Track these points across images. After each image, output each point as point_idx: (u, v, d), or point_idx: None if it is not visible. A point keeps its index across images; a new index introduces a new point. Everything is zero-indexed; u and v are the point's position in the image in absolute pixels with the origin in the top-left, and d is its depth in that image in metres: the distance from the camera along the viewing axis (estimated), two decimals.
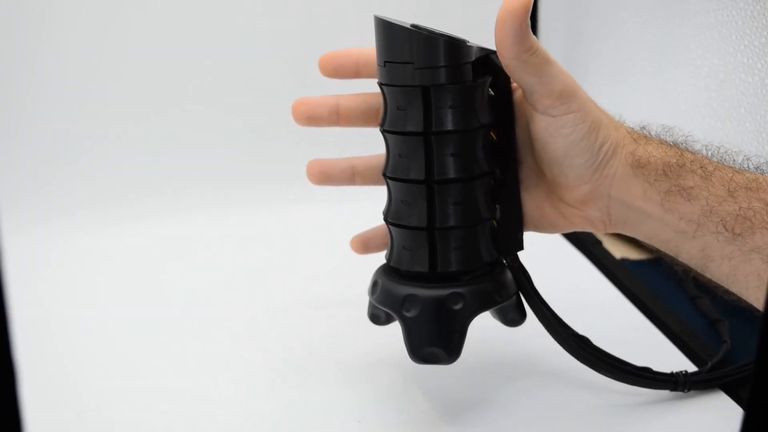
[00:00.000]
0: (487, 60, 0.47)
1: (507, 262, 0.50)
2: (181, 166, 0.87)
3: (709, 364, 0.56)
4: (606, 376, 0.51)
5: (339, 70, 0.51)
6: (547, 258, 0.53)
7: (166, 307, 0.68)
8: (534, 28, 0.91)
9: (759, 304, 0.46)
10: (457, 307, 0.46)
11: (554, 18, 0.89)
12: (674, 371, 0.53)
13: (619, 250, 0.76)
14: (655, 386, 0.53)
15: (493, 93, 0.48)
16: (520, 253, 0.50)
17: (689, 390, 0.53)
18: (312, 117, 0.52)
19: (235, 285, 0.72)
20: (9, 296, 0.23)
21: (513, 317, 0.51)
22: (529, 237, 0.51)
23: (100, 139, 0.85)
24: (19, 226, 0.79)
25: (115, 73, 0.85)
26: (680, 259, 0.49)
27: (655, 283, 0.69)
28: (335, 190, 0.60)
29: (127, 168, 0.86)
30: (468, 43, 0.46)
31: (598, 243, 0.77)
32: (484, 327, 0.56)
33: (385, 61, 0.46)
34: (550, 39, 0.90)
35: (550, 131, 0.46)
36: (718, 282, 0.48)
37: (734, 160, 0.48)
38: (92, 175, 0.85)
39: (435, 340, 0.46)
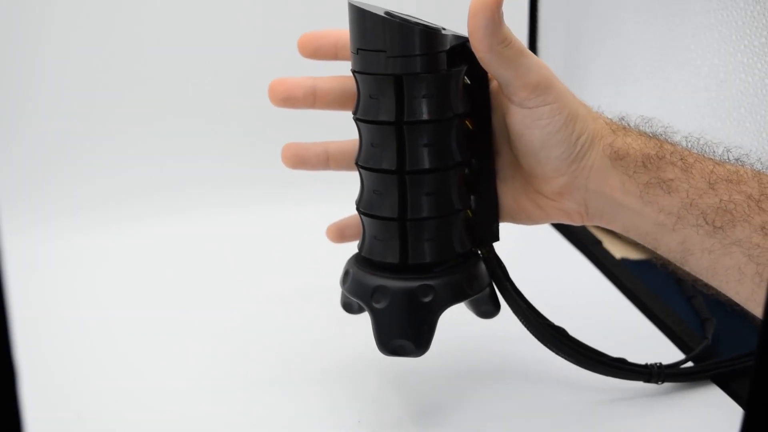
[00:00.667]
0: (463, 48, 0.46)
1: (482, 253, 0.49)
2: (180, 167, 0.87)
3: (685, 357, 0.56)
4: (581, 366, 0.51)
5: (317, 51, 0.51)
6: (546, 258, 0.53)
7: (166, 307, 0.68)
8: (534, 28, 0.91)
9: (738, 298, 0.46)
10: (427, 299, 0.45)
11: (554, 18, 0.89)
12: (648, 363, 0.53)
13: (619, 250, 0.76)
14: (629, 377, 0.53)
15: (469, 81, 0.48)
16: (510, 246, 0.50)
17: (663, 382, 0.53)
18: (288, 98, 0.51)
19: (235, 285, 0.72)
20: (9, 296, 0.23)
21: (487, 309, 0.50)
22: (528, 237, 0.51)
23: (99, 140, 0.85)
24: (20, 226, 0.79)
25: (114, 73, 0.85)
26: (659, 252, 0.48)
27: (655, 283, 0.69)
28: (333, 189, 0.60)
29: (126, 168, 0.86)
30: (443, 31, 0.45)
31: (598, 243, 0.77)
32: (471, 323, 0.57)
33: (357, 49, 0.45)
34: (550, 39, 0.90)
35: (526, 123, 0.46)
36: (698, 275, 0.47)
37: (714, 152, 0.48)
38: (92, 175, 0.85)
39: (404, 332, 0.46)
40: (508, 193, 0.50)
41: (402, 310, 0.46)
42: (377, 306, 0.46)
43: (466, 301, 0.49)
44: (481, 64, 0.45)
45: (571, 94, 0.47)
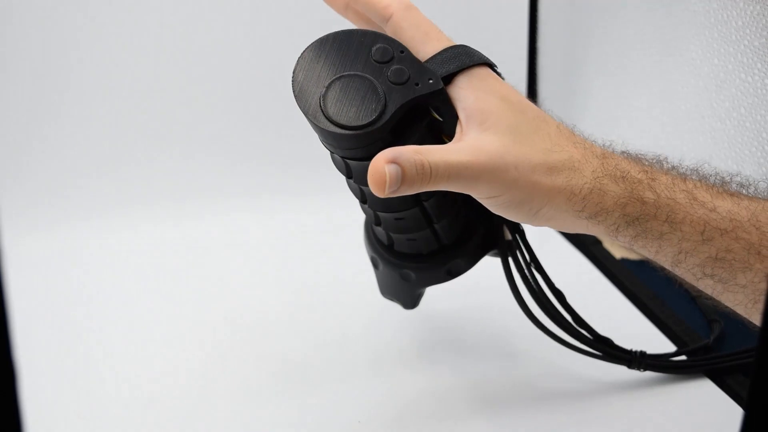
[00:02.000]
0: (416, 107, 0.44)
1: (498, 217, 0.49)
2: (186, 172, 0.87)
3: (674, 350, 0.57)
4: (566, 336, 0.52)
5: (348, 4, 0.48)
6: (547, 258, 0.53)
7: (167, 310, 0.68)
8: (534, 27, 0.91)
9: (749, 322, 0.45)
10: (408, 280, 0.51)
11: (554, 18, 0.89)
12: (632, 349, 0.54)
13: (618, 250, 0.76)
14: (611, 360, 0.53)
15: (440, 118, 0.45)
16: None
17: (644, 370, 0.54)
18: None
19: (236, 288, 0.72)
20: (10, 297, 0.23)
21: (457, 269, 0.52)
22: (528, 237, 0.51)
23: (104, 146, 0.85)
24: (22, 230, 0.79)
25: (119, 79, 0.85)
26: (663, 270, 0.47)
27: (655, 283, 0.69)
28: (334, 200, 0.60)
29: (128, 174, 0.86)
30: (370, 126, 0.42)
31: (598, 243, 0.77)
32: (470, 321, 0.57)
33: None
34: (550, 39, 0.90)
35: (483, 200, 0.44)
36: (705, 296, 0.47)
37: (707, 181, 0.45)
38: (96, 180, 0.85)
39: (394, 295, 0.54)
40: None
41: (390, 281, 0.53)
42: (376, 268, 0.54)
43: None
44: None
45: (530, 173, 0.42)
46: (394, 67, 0.43)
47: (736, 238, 0.42)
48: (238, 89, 0.88)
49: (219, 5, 0.86)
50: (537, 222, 0.45)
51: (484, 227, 0.51)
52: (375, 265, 0.54)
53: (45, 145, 0.84)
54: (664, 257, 0.44)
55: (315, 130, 0.44)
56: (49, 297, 0.70)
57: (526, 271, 0.51)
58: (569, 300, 0.52)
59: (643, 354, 0.54)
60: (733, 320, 0.61)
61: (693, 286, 0.47)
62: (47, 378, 0.58)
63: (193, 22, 0.85)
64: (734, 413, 0.53)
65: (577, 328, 0.52)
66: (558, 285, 0.52)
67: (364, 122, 0.42)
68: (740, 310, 0.45)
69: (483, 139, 0.42)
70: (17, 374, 0.23)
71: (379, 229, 0.51)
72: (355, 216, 0.58)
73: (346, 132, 0.42)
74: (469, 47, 0.45)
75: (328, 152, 0.46)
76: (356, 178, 0.46)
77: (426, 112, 0.44)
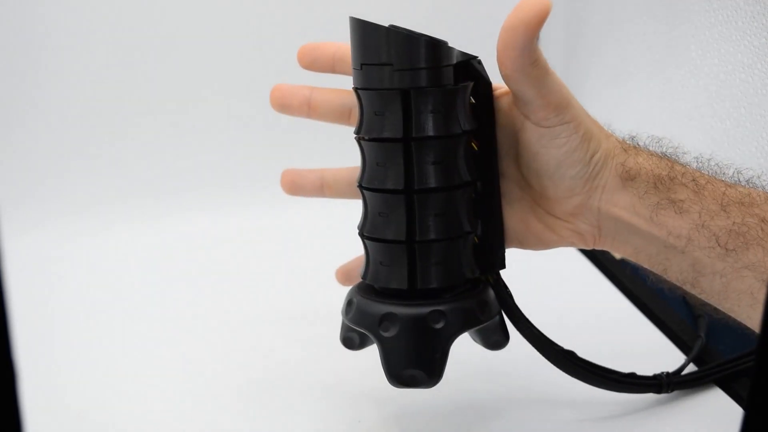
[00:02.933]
0: (467, 65, 0.45)
1: (489, 280, 0.47)
2: (181, 169, 0.87)
3: (685, 360, 0.56)
4: (592, 385, 0.50)
5: (314, 63, 0.51)
6: (546, 258, 0.53)
7: (166, 308, 0.68)
8: None
9: (751, 323, 0.45)
10: (439, 325, 0.43)
11: (554, 18, 0.89)
12: (656, 373, 0.53)
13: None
14: (640, 391, 0.52)
15: (474, 101, 0.46)
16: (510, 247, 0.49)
17: (672, 391, 0.53)
18: (284, 105, 0.52)
19: (234, 287, 0.72)
20: (9, 297, 0.23)
21: (496, 339, 0.48)
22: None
23: (98, 143, 0.85)
24: (18, 227, 0.79)
25: (113, 76, 0.85)
26: (668, 275, 0.47)
27: None
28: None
29: (127, 170, 0.86)
30: (449, 45, 0.44)
31: None
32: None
33: (361, 64, 0.43)
34: (549, 39, 0.90)
35: (542, 142, 0.45)
36: (708, 299, 0.46)
37: (724, 174, 0.47)
38: (91, 177, 0.85)
39: (415, 361, 0.43)
40: (515, 216, 0.48)
41: (413, 337, 0.43)
42: (386, 335, 0.43)
43: (474, 332, 0.47)
44: (505, 81, 0.44)
45: (586, 112, 0.46)
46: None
47: (752, 214, 0.43)
48: (233, 84, 0.88)
49: (209, 14, 0.86)
50: (584, 179, 0.45)
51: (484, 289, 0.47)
52: (386, 330, 0.44)
53: (23, 143, 0.84)
54: (678, 235, 0.44)
55: (396, 45, 0.42)
56: (48, 297, 0.70)
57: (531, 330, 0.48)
58: (567, 302, 0.52)
59: (668, 375, 0.53)
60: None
61: (693, 296, 0.46)
62: (47, 378, 0.58)
63: (187, 17, 0.85)
64: (738, 416, 0.53)
65: (600, 373, 0.50)
66: (558, 285, 0.52)
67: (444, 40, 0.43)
68: (746, 301, 0.44)
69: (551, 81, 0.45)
70: (17, 374, 0.23)
71: (398, 268, 0.44)
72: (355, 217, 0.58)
73: (437, 41, 0.43)
74: None
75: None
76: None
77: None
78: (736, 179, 0.46)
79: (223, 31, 0.87)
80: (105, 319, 0.66)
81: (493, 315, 0.46)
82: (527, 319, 0.47)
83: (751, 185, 0.46)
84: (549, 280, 0.55)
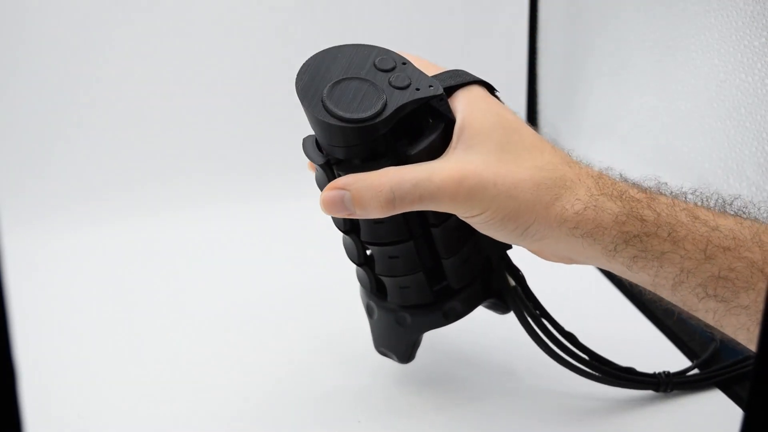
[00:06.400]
0: (424, 113, 0.44)
1: (493, 262, 0.49)
2: (176, 162, 0.87)
3: (693, 362, 0.56)
4: (589, 378, 0.51)
5: None
6: (548, 260, 0.53)
7: (166, 306, 0.68)
8: (534, 27, 0.91)
9: (751, 347, 0.44)
10: (404, 326, 0.50)
11: (554, 18, 0.89)
12: (656, 372, 0.53)
13: None
14: (638, 387, 0.53)
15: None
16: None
17: (672, 390, 0.53)
18: None
19: (233, 282, 0.72)
20: (9, 296, 0.23)
21: (497, 310, 0.52)
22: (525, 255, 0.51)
23: (93, 136, 0.85)
24: (16, 223, 0.79)
25: (106, 70, 0.85)
26: (664, 304, 0.46)
27: None
28: None
29: (118, 165, 0.86)
30: (370, 121, 0.42)
31: None
32: (478, 333, 0.56)
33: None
34: (550, 39, 0.90)
35: (471, 222, 0.44)
36: (705, 325, 0.45)
37: (707, 204, 0.44)
38: (84, 172, 0.85)
39: (387, 345, 0.53)
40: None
41: (385, 328, 0.52)
42: (370, 317, 0.53)
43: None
44: None
45: (507, 192, 0.43)
46: (396, 74, 0.44)
47: (739, 257, 0.41)
48: (230, 90, 0.88)
49: (207, 13, 0.86)
50: (529, 242, 0.44)
51: (485, 273, 0.50)
52: (370, 314, 0.52)
53: (16, 137, 0.83)
54: (664, 279, 0.43)
55: (316, 127, 0.43)
56: (47, 296, 0.70)
57: (531, 321, 0.50)
58: (570, 305, 0.52)
59: (668, 374, 0.53)
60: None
61: (692, 316, 0.45)
62: (47, 378, 0.58)
63: (179, 11, 0.85)
64: (738, 419, 0.53)
65: (597, 365, 0.51)
66: (558, 285, 0.52)
67: (365, 116, 0.42)
68: (742, 336, 0.43)
69: (465, 158, 0.43)
70: (17, 374, 0.23)
71: (370, 277, 0.51)
72: None
73: (347, 125, 0.42)
74: (467, 72, 0.46)
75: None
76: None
77: (436, 122, 0.44)
78: (720, 206, 0.44)
79: (225, 27, 0.87)
80: (106, 317, 0.66)
81: (459, 316, 0.50)
82: (533, 302, 0.51)
83: (741, 213, 0.44)
84: (547, 280, 0.55)
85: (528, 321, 0.50)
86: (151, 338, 0.63)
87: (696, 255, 0.42)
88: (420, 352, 0.54)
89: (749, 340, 0.43)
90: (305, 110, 0.43)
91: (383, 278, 0.50)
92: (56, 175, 0.84)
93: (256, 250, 0.79)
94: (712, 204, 0.45)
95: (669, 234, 0.42)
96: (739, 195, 0.46)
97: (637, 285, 0.46)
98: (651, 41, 0.74)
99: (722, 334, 0.45)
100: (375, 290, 0.51)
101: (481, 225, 0.44)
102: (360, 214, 0.43)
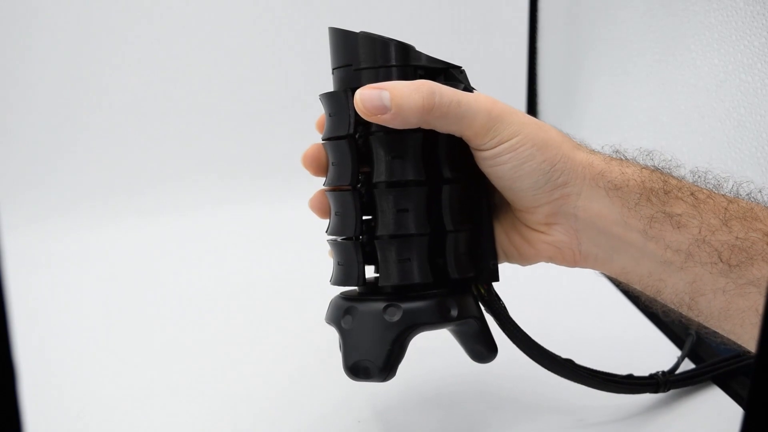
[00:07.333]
0: (447, 73, 0.45)
1: (482, 292, 0.47)
2: (173, 167, 0.87)
3: (677, 360, 0.56)
4: (591, 387, 0.50)
5: (321, 167, 0.49)
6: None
7: (166, 306, 0.68)
8: (534, 27, 0.91)
9: (753, 344, 0.43)
10: (394, 318, 0.43)
11: (554, 18, 0.89)
12: (652, 373, 0.53)
13: None
14: (638, 391, 0.53)
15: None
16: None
17: (669, 389, 0.54)
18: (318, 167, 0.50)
19: (235, 284, 0.72)
20: (9, 296, 0.23)
21: (479, 349, 0.47)
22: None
23: (94, 138, 0.85)
24: (17, 223, 0.79)
25: (108, 72, 0.85)
26: (663, 296, 0.45)
27: None
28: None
29: (118, 168, 0.86)
30: (416, 50, 0.44)
31: None
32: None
33: (332, 69, 0.45)
34: (550, 39, 0.90)
35: (488, 162, 0.44)
36: (708, 319, 0.44)
37: (723, 187, 0.45)
38: (84, 175, 0.85)
39: (368, 351, 0.43)
40: (500, 228, 0.48)
41: (368, 328, 0.44)
42: (345, 327, 0.44)
43: (460, 341, 0.47)
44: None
45: (536, 123, 0.44)
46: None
47: (755, 229, 0.42)
48: (230, 93, 0.88)
49: (213, 20, 0.86)
50: (549, 191, 0.44)
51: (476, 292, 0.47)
52: (346, 323, 0.45)
53: (19, 139, 0.84)
54: (677, 249, 0.42)
55: (363, 47, 0.43)
56: (47, 297, 0.70)
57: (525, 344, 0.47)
58: (570, 305, 0.52)
59: (665, 374, 0.53)
60: None
61: (686, 317, 0.45)
62: (47, 378, 0.58)
63: (183, 13, 0.85)
64: (737, 416, 0.53)
65: (598, 377, 0.50)
66: (558, 285, 0.52)
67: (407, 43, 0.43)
68: (751, 319, 0.42)
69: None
70: (17, 374, 0.23)
71: (359, 255, 0.45)
72: None
73: (393, 39, 0.43)
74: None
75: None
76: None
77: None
78: (735, 192, 0.45)
79: (225, 29, 0.87)
80: (105, 317, 0.66)
81: (457, 318, 0.45)
82: (524, 333, 0.47)
83: (751, 199, 0.44)
84: (547, 280, 0.55)
85: (527, 341, 0.47)
86: (151, 339, 0.63)
87: (713, 221, 0.42)
88: (420, 351, 0.54)
89: (755, 325, 0.42)
90: (341, 37, 0.44)
91: (383, 250, 0.44)
92: (57, 177, 0.84)
93: (257, 253, 0.79)
94: (727, 188, 0.45)
95: (690, 195, 0.43)
96: (751, 180, 0.46)
97: (636, 286, 0.46)
98: (651, 41, 0.74)
99: (722, 336, 0.45)
100: (360, 280, 0.45)
101: (508, 156, 0.43)
102: (394, 113, 0.41)
